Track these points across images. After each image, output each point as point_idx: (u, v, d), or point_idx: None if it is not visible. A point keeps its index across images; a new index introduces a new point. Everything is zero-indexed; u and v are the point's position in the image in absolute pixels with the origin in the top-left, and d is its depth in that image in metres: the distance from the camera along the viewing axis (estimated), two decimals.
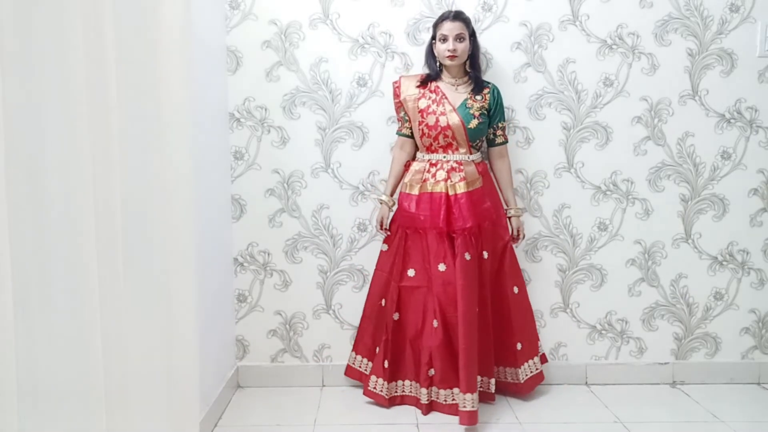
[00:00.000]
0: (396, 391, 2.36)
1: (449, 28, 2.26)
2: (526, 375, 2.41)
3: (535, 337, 2.50)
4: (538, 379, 2.45)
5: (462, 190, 2.29)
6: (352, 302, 2.60)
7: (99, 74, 1.18)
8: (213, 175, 2.33)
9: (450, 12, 2.30)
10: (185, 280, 1.53)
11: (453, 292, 2.23)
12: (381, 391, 2.32)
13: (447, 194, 2.29)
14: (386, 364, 2.31)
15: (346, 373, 2.50)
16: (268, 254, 2.59)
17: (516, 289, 2.41)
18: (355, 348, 2.49)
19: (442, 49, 2.28)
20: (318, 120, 2.53)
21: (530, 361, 2.43)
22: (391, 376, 2.33)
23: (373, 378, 2.35)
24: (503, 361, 2.41)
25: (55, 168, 1.08)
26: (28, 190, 1.02)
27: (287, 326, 2.62)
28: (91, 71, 1.16)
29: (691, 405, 2.43)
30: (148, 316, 1.39)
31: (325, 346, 2.62)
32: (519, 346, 2.39)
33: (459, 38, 2.27)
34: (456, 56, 2.27)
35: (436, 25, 2.32)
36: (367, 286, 2.58)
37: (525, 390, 2.41)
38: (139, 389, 1.35)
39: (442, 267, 2.26)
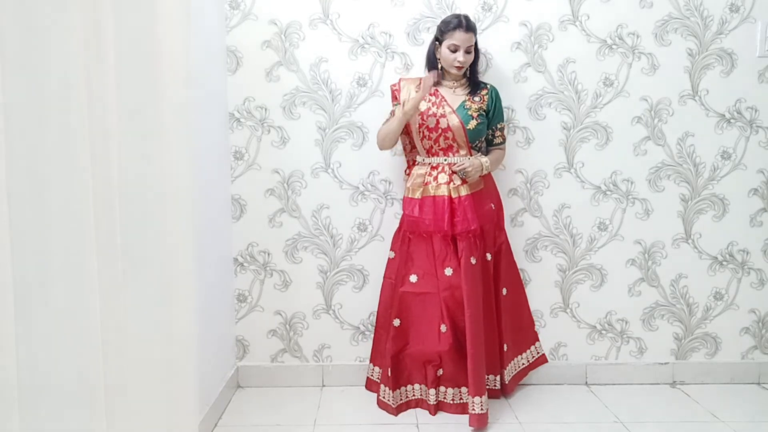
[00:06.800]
0: (402, 398, 2.33)
1: (462, 38, 2.23)
2: (510, 375, 2.43)
3: (527, 337, 2.52)
4: (522, 375, 2.50)
5: (465, 193, 2.28)
6: (352, 302, 2.60)
7: (99, 74, 1.18)
8: (213, 175, 2.33)
9: (461, 21, 2.24)
10: (185, 280, 1.53)
11: (460, 295, 2.22)
12: (388, 400, 2.30)
13: (450, 197, 2.27)
14: (389, 372, 2.30)
15: (366, 387, 2.49)
16: (268, 254, 2.59)
17: (504, 291, 2.42)
18: (372, 359, 2.48)
19: (451, 58, 2.26)
20: (318, 120, 2.53)
21: (516, 360, 2.46)
22: (395, 383, 2.31)
23: (382, 387, 2.33)
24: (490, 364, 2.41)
25: (55, 168, 1.08)
26: (28, 190, 1.02)
27: (287, 326, 2.62)
28: (91, 71, 1.16)
29: (691, 405, 2.43)
30: (147, 316, 1.39)
31: (325, 346, 2.62)
32: (505, 347, 2.41)
33: (469, 50, 2.27)
34: (464, 67, 2.28)
35: (445, 32, 2.26)
36: (368, 286, 2.59)
37: (508, 390, 2.42)
38: (138, 389, 1.35)
39: (448, 271, 2.25)
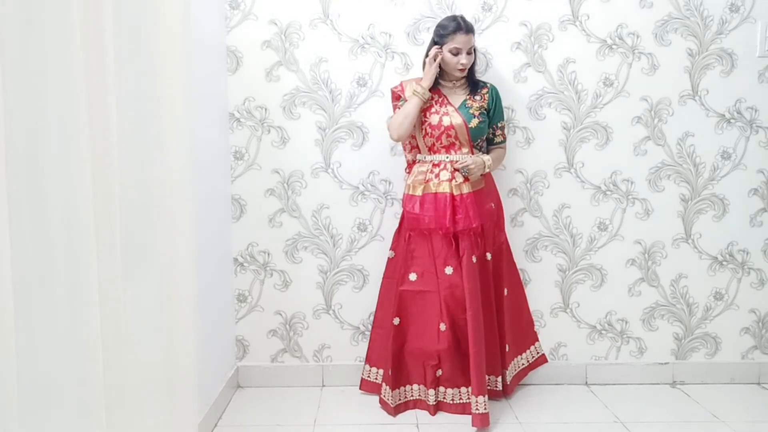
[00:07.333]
0: (401, 398, 2.33)
1: (463, 41, 2.23)
2: (511, 375, 2.44)
3: (527, 337, 2.53)
4: (522, 375, 2.51)
5: (467, 190, 2.28)
6: (352, 302, 2.60)
7: (99, 74, 1.18)
8: (213, 175, 2.33)
9: (460, 24, 2.23)
10: (185, 280, 1.54)
11: (460, 294, 2.22)
12: (388, 399, 2.30)
13: (452, 194, 2.27)
14: (390, 372, 2.30)
15: (361, 387, 2.47)
16: (268, 254, 2.59)
17: (506, 291, 2.42)
18: (368, 360, 2.47)
19: (454, 61, 2.25)
20: (318, 120, 2.53)
21: (516, 360, 2.47)
22: (395, 382, 2.31)
23: (384, 386, 2.33)
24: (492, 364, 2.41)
25: (55, 168, 1.08)
26: (28, 190, 1.02)
27: (287, 326, 2.62)
28: (91, 71, 1.16)
29: (691, 405, 2.43)
30: (148, 316, 1.39)
31: (325, 346, 2.62)
32: (507, 347, 2.41)
33: (470, 51, 2.26)
34: (466, 69, 2.28)
35: (445, 35, 2.24)
36: (368, 286, 2.59)
37: (508, 390, 2.43)
38: (138, 389, 1.35)
39: (449, 270, 2.25)
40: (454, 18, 2.27)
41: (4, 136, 0.92)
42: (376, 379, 2.42)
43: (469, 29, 2.25)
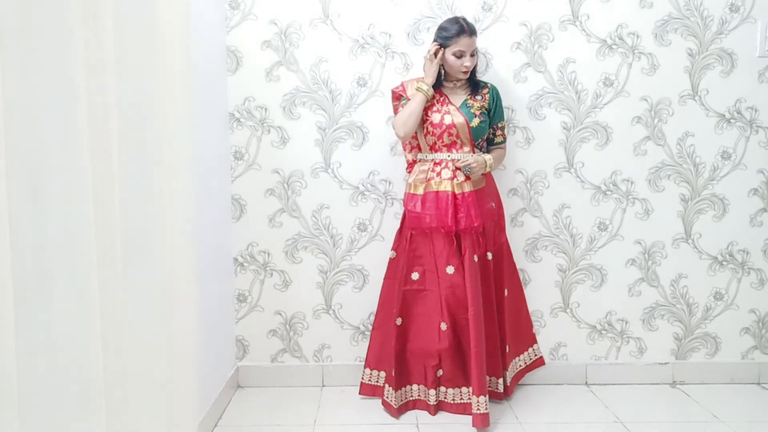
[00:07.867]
0: (404, 398, 2.33)
1: (467, 44, 2.23)
2: (510, 376, 2.43)
3: (526, 339, 2.53)
4: (520, 376, 2.50)
5: (468, 189, 2.28)
6: (352, 302, 2.60)
7: (99, 74, 1.18)
8: (213, 175, 2.33)
9: (464, 27, 2.23)
10: (185, 281, 1.53)
11: (461, 294, 2.22)
12: (391, 400, 2.29)
13: (453, 193, 2.26)
14: (393, 372, 2.29)
15: (361, 392, 2.44)
16: (268, 254, 2.59)
17: (506, 292, 2.42)
18: (368, 363, 2.44)
19: (458, 64, 2.25)
20: (318, 120, 2.53)
21: (515, 361, 2.47)
22: (398, 383, 2.30)
23: (386, 387, 2.33)
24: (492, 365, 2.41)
25: (55, 169, 1.08)
26: (28, 191, 1.02)
27: (287, 326, 2.62)
28: (91, 71, 1.15)
29: (691, 405, 2.43)
30: (148, 317, 1.39)
31: (325, 346, 2.62)
32: (507, 348, 2.41)
33: (473, 54, 2.27)
34: (469, 71, 2.29)
35: (449, 38, 2.23)
36: (368, 286, 2.59)
37: (509, 392, 2.42)
38: (138, 389, 1.35)
39: (450, 269, 2.25)
40: (456, 20, 2.26)
41: (4, 136, 0.92)
42: (377, 381, 2.41)
43: (472, 32, 2.24)
